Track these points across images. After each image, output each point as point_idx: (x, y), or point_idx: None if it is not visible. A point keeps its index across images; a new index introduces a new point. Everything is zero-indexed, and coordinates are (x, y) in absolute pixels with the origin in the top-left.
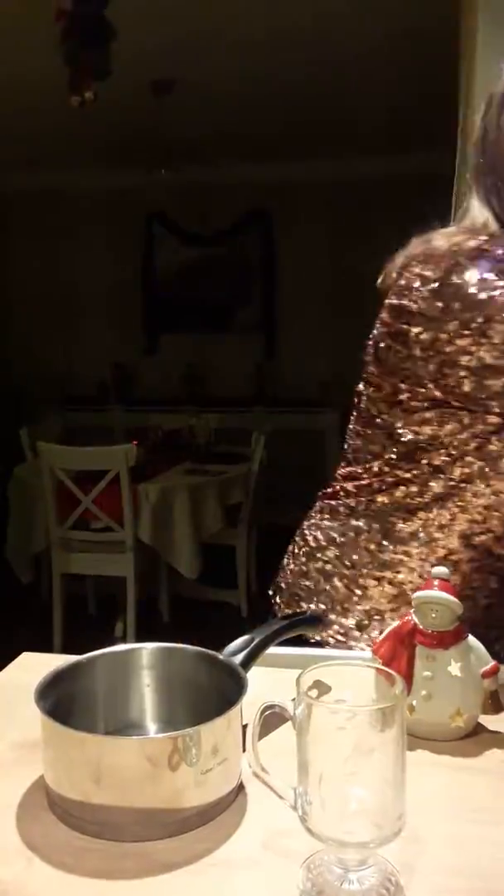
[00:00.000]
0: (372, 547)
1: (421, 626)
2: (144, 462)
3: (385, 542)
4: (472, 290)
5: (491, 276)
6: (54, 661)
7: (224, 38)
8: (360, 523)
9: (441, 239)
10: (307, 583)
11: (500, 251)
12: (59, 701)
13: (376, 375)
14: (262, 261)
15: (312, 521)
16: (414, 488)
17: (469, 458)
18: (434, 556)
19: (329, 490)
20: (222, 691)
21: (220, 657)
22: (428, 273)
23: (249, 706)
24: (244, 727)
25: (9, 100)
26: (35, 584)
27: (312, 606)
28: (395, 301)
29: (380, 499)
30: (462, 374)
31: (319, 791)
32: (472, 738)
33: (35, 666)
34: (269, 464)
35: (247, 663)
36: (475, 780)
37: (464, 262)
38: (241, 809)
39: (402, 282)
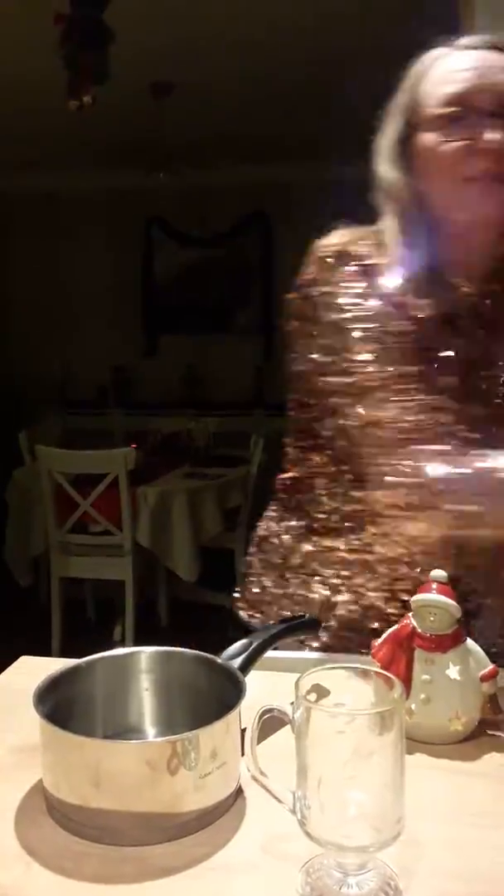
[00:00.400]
0: (323, 543)
1: (419, 630)
2: (143, 465)
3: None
4: (327, 289)
5: (344, 277)
6: (53, 665)
7: (223, 40)
8: (304, 522)
9: (326, 238)
10: (268, 584)
11: (363, 251)
12: (58, 705)
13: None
14: (262, 262)
15: (266, 525)
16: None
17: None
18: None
19: (280, 490)
20: (221, 695)
21: (219, 661)
22: (306, 271)
23: (248, 710)
24: (243, 731)
25: (8, 102)
26: (34, 587)
27: (277, 610)
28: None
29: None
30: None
31: (318, 795)
32: (471, 742)
33: (33, 670)
34: (267, 467)
35: (245, 667)
36: (474, 783)
37: (329, 262)
38: (239, 813)
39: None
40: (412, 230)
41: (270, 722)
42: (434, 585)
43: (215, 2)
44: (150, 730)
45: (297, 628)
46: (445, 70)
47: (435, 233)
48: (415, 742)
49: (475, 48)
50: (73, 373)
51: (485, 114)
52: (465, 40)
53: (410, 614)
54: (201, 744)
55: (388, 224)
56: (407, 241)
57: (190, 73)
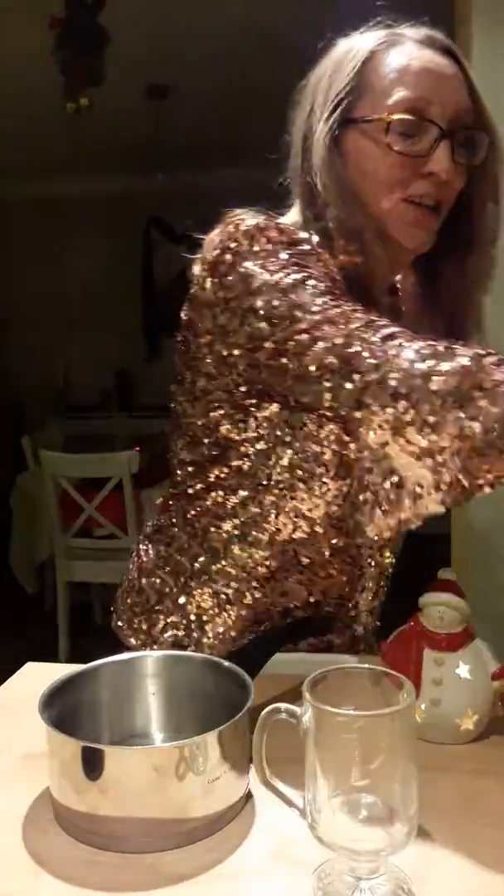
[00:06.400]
0: (197, 559)
1: (429, 629)
2: (147, 468)
3: (205, 555)
4: (242, 268)
5: (251, 257)
6: (59, 671)
7: (218, 42)
8: (183, 534)
9: (238, 216)
10: (139, 599)
11: (273, 233)
12: (64, 711)
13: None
14: None
15: (146, 534)
16: (221, 493)
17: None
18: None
19: (160, 500)
20: (228, 698)
21: (226, 664)
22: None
23: (256, 713)
24: (251, 734)
25: (5, 106)
26: (40, 593)
27: (152, 621)
28: None
29: (192, 510)
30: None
31: (329, 798)
32: (483, 741)
33: (39, 676)
34: None
35: (252, 670)
36: (487, 784)
37: (241, 241)
38: (249, 819)
39: None
40: (330, 229)
41: (279, 725)
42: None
43: (211, 4)
44: (157, 735)
45: (304, 630)
46: (401, 65)
47: (357, 237)
48: (426, 743)
49: (432, 45)
50: (75, 377)
51: (442, 131)
52: (412, 32)
53: (419, 613)
54: (209, 748)
55: (297, 219)
56: (325, 239)
57: (186, 75)
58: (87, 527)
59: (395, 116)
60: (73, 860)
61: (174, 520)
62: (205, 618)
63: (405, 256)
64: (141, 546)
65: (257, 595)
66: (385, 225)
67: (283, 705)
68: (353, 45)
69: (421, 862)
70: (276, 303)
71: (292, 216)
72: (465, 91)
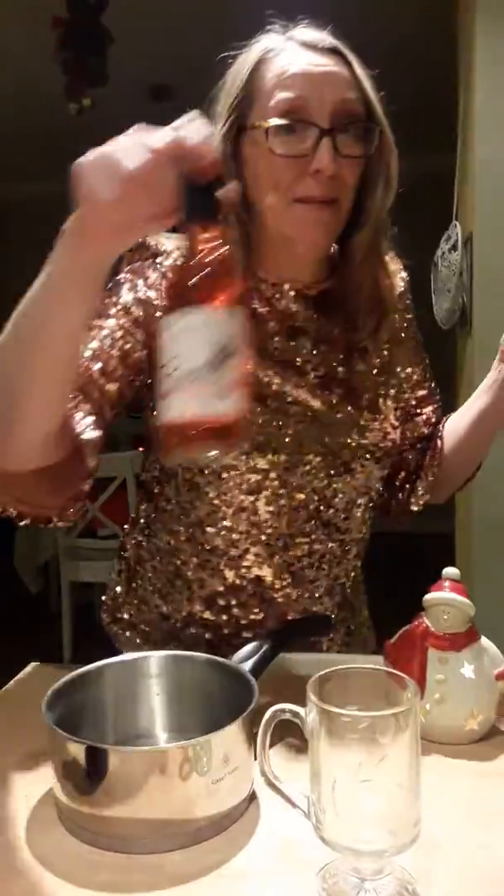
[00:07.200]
0: (180, 560)
1: (433, 629)
2: None
3: (191, 558)
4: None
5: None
6: (63, 672)
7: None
8: (169, 537)
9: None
10: (134, 601)
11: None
12: (68, 711)
13: None
14: None
15: (133, 538)
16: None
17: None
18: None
19: (143, 506)
20: (232, 698)
21: (230, 664)
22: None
23: (260, 713)
24: (255, 735)
25: (7, 106)
26: (44, 593)
27: (138, 624)
28: None
29: (168, 507)
30: None
31: (333, 799)
32: (488, 742)
33: (43, 676)
34: None
35: (257, 669)
36: (492, 784)
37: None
38: (253, 819)
39: None
40: (242, 236)
41: (283, 725)
42: (447, 584)
43: (214, 4)
44: (162, 735)
45: (309, 628)
46: (281, 70)
47: (265, 241)
48: (430, 743)
49: (315, 47)
50: None
51: (322, 130)
52: (303, 35)
53: (423, 613)
54: (213, 749)
55: None
56: (239, 247)
57: (190, 75)
58: (91, 527)
59: (273, 122)
60: (76, 861)
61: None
62: None
63: (311, 255)
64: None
65: None
66: (283, 229)
67: (287, 705)
68: (245, 55)
69: (426, 862)
70: None
71: None
72: (351, 87)
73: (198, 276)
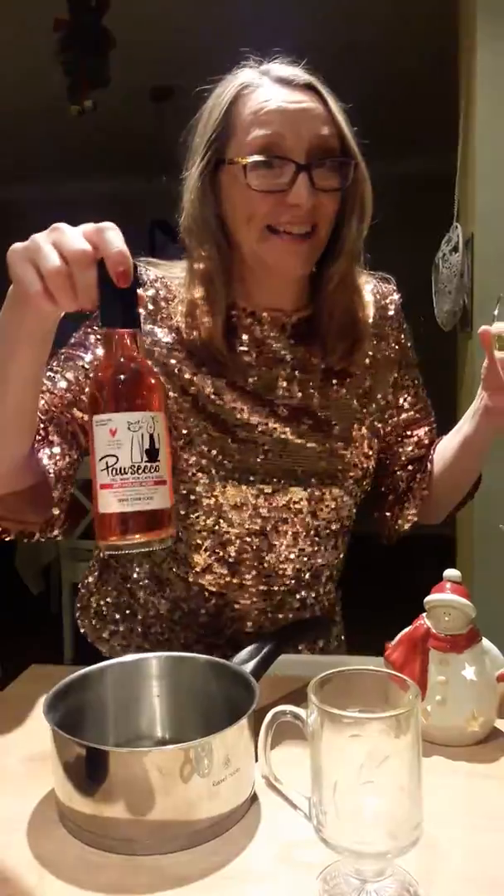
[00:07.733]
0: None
1: (434, 630)
2: None
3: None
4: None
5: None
6: (64, 673)
7: (222, 44)
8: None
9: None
10: (109, 598)
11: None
12: (69, 713)
13: None
14: None
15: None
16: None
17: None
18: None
19: None
20: (233, 700)
21: (231, 665)
22: None
23: (261, 715)
24: (256, 737)
25: (8, 107)
26: (45, 595)
27: (117, 617)
28: None
29: None
30: None
31: (334, 800)
32: (489, 744)
33: (44, 678)
34: None
35: (257, 671)
36: (493, 786)
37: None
38: (254, 821)
39: None
40: (220, 267)
41: (284, 727)
42: (448, 585)
43: (214, 5)
44: (162, 736)
45: (309, 629)
46: (258, 106)
47: (244, 270)
48: (431, 745)
49: (290, 83)
50: None
51: (298, 165)
52: (278, 70)
53: (424, 615)
54: (214, 750)
55: (191, 261)
56: (217, 278)
57: (190, 76)
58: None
59: (251, 158)
60: (77, 862)
61: None
62: None
63: (290, 285)
64: None
65: None
66: (260, 258)
67: (288, 707)
68: (222, 89)
69: (427, 863)
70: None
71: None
72: (326, 122)
73: (119, 382)
